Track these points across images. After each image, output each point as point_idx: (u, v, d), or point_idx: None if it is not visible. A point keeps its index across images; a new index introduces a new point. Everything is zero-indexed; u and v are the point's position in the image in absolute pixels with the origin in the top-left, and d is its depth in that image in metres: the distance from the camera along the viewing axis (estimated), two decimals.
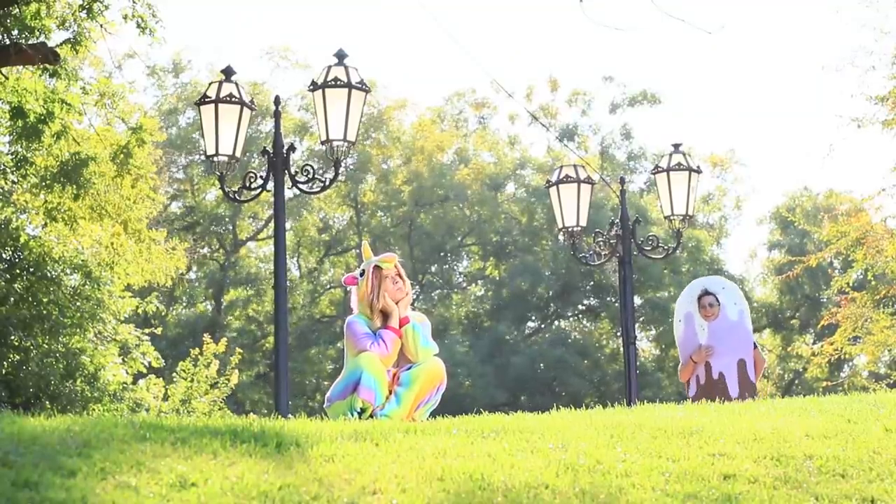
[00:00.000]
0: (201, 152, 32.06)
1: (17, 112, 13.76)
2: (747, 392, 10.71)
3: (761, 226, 39.68)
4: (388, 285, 7.31)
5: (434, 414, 7.10)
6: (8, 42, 12.47)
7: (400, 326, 7.21)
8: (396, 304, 7.30)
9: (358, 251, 36.14)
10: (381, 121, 37.22)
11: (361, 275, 7.40)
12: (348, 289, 7.61)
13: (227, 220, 36.73)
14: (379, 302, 7.26)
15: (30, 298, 14.62)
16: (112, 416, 10.15)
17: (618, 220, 14.49)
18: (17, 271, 14.70)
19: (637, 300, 34.02)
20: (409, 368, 7.10)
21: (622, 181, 14.98)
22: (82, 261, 15.22)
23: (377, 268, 7.38)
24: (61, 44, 13.12)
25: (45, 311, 14.59)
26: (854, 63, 17.37)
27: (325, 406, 7.15)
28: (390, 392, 6.99)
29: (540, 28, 55.92)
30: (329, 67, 11.55)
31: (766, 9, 58.45)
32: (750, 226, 62.66)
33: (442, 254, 38.02)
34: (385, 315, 7.26)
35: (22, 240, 14.87)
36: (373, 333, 7.17)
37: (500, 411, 8.29)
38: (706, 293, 11.21)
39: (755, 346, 11.14)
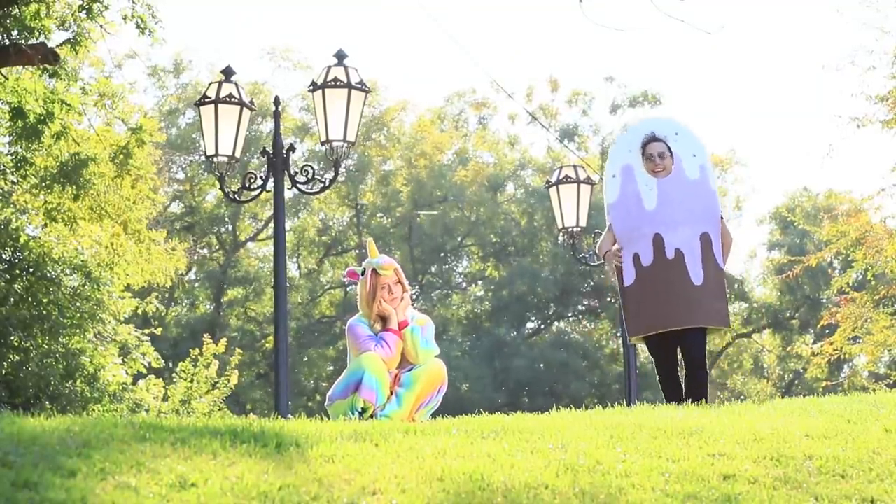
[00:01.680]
0: (201, 152, 32.06)
1: (17, 112, 13.76)
2: (714, 280, 8.02)
3: (761, 226, 39.71)
4: (384, 294, 7.24)
5: (434, 415, 7.09)
6: (8, 42, 12.47)
7: (399, 329, 7.19)
8: (395, 309, 7.24)
9: (357, 251, 36.19)
10: (382, 121, 37.22)
11: (362, 274, 7.33)
12: (347, 282, 7.57)
13: (226, 220, 36.74)
14: (374, 308, 7.22)
15: (30, 299, 14.62)
16: (112, 416, 10.15)
17: None
18: (17, 272, 14.70)
19: None
20: (410, 370, 7.07)
21: None
22: (82, 261, 15.22)
23: (375, 273, 7.31)
24: (61, 44, 13.12)
25: (44, 312, 14.59)
26: (854, 62, 17.37)
27: (326, 405, 7.11)
28: (391, 393, 6.96)
29: (540, 28, 55.93)
30: (329, 68, 11.57)
31: (766, 9, 58.46)
32: (750, 226, 62.77)
33: (442, 254, 38.02)
34: (383, 319, 7.21)
35: (22, 240, 14.87)
36: (375, 335, 7.13)
37: (500, 412, 8.29)
38: (653, 139, 8.25)
39: (721, 216, 8.33)
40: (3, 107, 14.23)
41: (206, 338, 18.09)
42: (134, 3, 12.78)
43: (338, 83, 11.44)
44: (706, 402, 7.92)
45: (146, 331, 16.80)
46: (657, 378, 8.27)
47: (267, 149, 11.52)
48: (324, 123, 11.47)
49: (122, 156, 15.18)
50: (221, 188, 11.82)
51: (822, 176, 62.37)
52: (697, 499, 4.59)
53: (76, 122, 14.73)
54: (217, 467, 4.34)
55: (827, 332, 24.83)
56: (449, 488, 4.40)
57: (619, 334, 33.52)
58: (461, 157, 38.58)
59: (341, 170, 11.78)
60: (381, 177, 37.84)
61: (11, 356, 14.32)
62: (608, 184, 8.43)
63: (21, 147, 14.43)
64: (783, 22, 58.89)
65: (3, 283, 14.45)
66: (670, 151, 8.23)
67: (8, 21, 12.47)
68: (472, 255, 39.41)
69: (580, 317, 38.89)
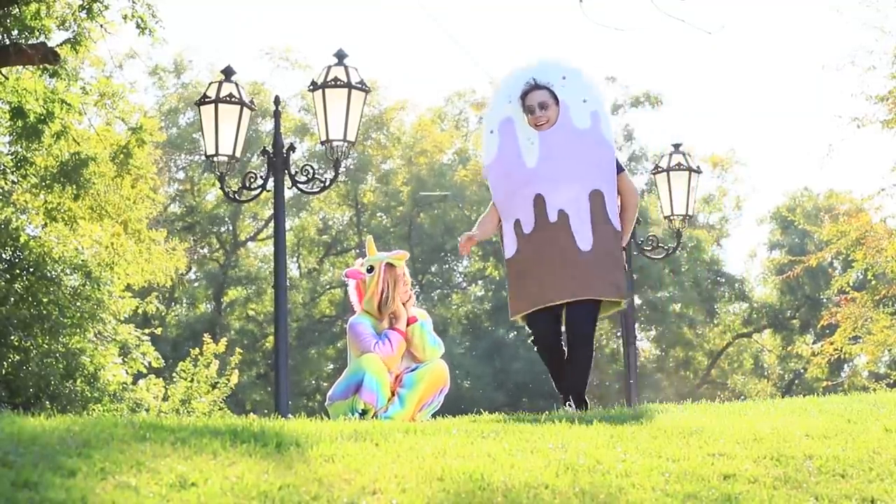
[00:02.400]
0: (201, 152, 32.07)
1: (17, 112, 13.77)
2: (607, 245, 7.05)
3: (761, 226, 39.75)
4: (400, 287, 7.03)
5: (434, 415, 7.08)
6: (8, 42, 12.47)
7: (407, 325, 7.05)
8: (403, 304, 7.11)
9: (358, 251, 36.17)
10: (382, 121, 37.23)
11: (369, 271, 7.09)
12: (347, 283, 7.27)
13: (227, 220, 36.74)
14: (392, 304, 7.02)
15: (30, 298, 14.63)
16: (112, 416, 10.15)
17: None
18: (17, 271, 14.71)
19: (637, 300, 34.01)
20: (412, 370, 6.99)
21: None
22: (82, 261, 15.22)
23: (390, 266, 7.09)
24: (61, 44, 13.13)
25: (45, 312, 14.59)
26: (854, 62, 17.39)
27: (326, 405, 7.06)
28: (393, 394, 6.91)
29: (540, 28, 55.92)
30: (329, 67, 11.58)
31: (766, 9, 58.47)
32: (750, 226, 62.75)
33: (442, 254, 38.02)
34: (393, 316, 7.06)
35: (22, 240, 14.88)
36: (377, 334, 7.00)
37: (499, 412, 8.29)
38: (535, 87, 7.22)
39: (621, 170, 7.25)
40: (3, 107, 14.24)
41: (207, 338, 18.09)
42: (134, 3, 12.80)
43: (338, 83, 11.44)
44: (585, 387, 7.13)
45: (146, 331, 16.81)
46: (538, 352, 7.26)
47: (267, 149, 11.52)
48: (324, 123, 11.47)
49: (122, 156, 15.19)
50: (221, 188, 11.83)
51: (822, 176, 62.45)
52: (697, 498, 4.59)
53: (76, 122, 14.75)
54: (217, 467, 4.34)
55: (827, 331, 24.84)
56: (449, 488, 4.40)
57: (619, 334, 33.52)
58: (461, 156, 38.59)
59: (341, 169, 11.78)
60: (381, 176, 37.84)
61: (11, 356, 14.32)
62: (485, 142, 7.37)
63: (21, 147, 14.45)
64: (783, 22, 58.92)
65: (3, 283, 14.46)
66: (556, 99, 7.18)
67: (8, 21, 12.48)
68: (473, 254, 39.42)
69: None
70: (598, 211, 7.04)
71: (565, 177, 7.05)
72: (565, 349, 7.18)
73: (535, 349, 7.26)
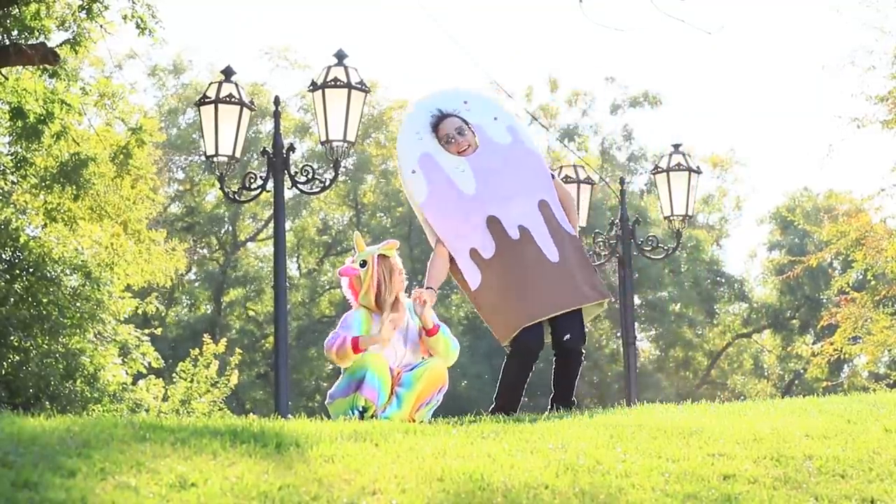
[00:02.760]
0: (201, 153, 32.06)
1: (17, 112, 13.77)
2: (571, 250, 7.00)
3: (761, 226, 39.73)
4: (395, 278, 6.98)
5: (433, 414, 7.07)
6: (8, 42, 12.47)
7: (429, 334, 6.93)
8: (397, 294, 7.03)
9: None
10: (381, 121, 37.23)
11: (362, 266, 7.01)
12: (341, 281, 7.13)
13: (226, 220, 36.74)
14: (392, 295, 6.95)
15: (29, 299, 14.63)
16: (112, 416, 10.14)
17: (617, 221, 14.51)
18: (17, 272, 14.71)
19: (636, 300, 34.02)
20: (411, 369, 6.98)
21: (622, 182, 15.02)
22: (82, 261, 15.23)
23: (382, 257, 7.03)
24: (61, 44, 13.13)
25: (44, 312, 14.59)
26: (854, 63, 17.39)
27: (326, 403, 7.04)
28: (392, 393, 6.89)
29: (540, 28, 55.92)
30: (329, 68, 11.57)
31: (766, 9, 58.47)
32: (750, 226, 62.70)
33: None
34: (393, 308, 6.95)
35: (22, 240, 14.88)
36: (353, 326, 6.89)
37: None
38: (443, 115, 7.14)
39: (552, 177, 7.23)
40: (3, 107, 14.24)
41: (206, 338, 18.09)
42: (134, 3, 12.79)
43: (338, 83, 11.44)
44: (574, 390, 7.07)
45: (146, 331, 16.81)
46: (509, 357, 7.02)
47: (267, 149, 11.52)
48: (324, 123, 11.47)
49: (122, 156, 15.18)
50: (221, 188, 11.82)
51: (822, 176, 62.47)
52: (697, 499, 4.59)
53: (76, 122, 14.74)
54: (217, 467, 4.34)
55: (827, 332, 24.85)
56: (449, 488, 4.40)
57: (618, 334, 33.52)
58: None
59: (341, 169, 11.77)
60: (380, 176, 37.84)
61: (11, 356, 14.32)
62: (409, 183, 7.11)
63: (21, 147, 14.44)
64: (783, 22, 58.92)
65: (3, 283, 14.46)
66: (467, 124, 7.10)
67: (8, 21, 12.48)
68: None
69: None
70: (550, 220, 6.98)
71: (511, 193, 6.94)
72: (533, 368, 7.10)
73: (509, 361, 7.05)
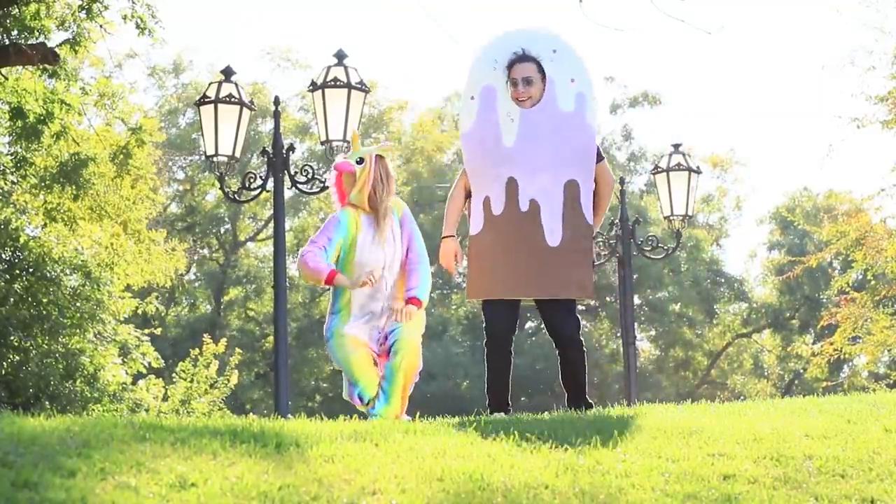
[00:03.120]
0: (201, 152, 32.06)
1: (17, 112, 13.77)
2: (576, 240, 6.75)
3: (761, 226, 39.73)
4: (391, 180, 6.92)
5: (433, 414, 7.09)
6: (8, 42, 12.47)
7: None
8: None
9: None
10: (381, 121, 37.23)
11: (358, 163, 6.91)
12: (328, 178, 6.98)
13: (226, 220, 36.74)
14: (388, 197, 6.87)
15: (29, 299, 14.63)
16: (112, 416, 10.14)
17: (617, 221, 14.52)
18: (17, 272, 14.71)
19: (636, 300, 34.03)
20: (389, 360, 6.94)
21: (622, 182, 15.02)
22: (82, 261, 15.23)
23: (380, 158, 6.95)
24: (61, 44, 13.13)
25: (44, 312, 14.59)
26: (854, 63, 17.40)
27: (326, 339, 7.04)
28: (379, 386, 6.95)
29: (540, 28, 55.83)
30: (329, 68, 11.58)
31: (766, 9, 58.48)
32: (750, 226, 62.65)
33: None
34: (375, 210, 6.89)
35: (21, 240, 14.88)
36: (337, 231, 6.84)
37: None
38: (522, 58, 6.81)
39: (600, 158, 6.86)
40: (3, 107, 14.24)
41: (206, 338, 18.09)
42: (134, 3, 12.79)
43: (338, 83, 11.45)
44: (585, 389, 6.98)
45: (146, 331, 16.81)
46: (485, 344, 7.04)
47: (267, 149, 11.52)
48: (324, 123, 11.47)
49: (121, 156, 15.18)
50: (221, 188, 11.83)
51: (822, 176, 62.46)
52: (697, 499, 4.59)
53: (76, 122, 14.74)
54: (217, 467, 4.34)
55: (827, 332, 24.85)
56: (449, 488, 4.40)
57: (618, 334, 33.53)
58: (461, 156, 38.57)
59: None
60: None
61: (11, 356, 14.32)
62: (463, 107, 6.93)
63: (21, 147, 14.44)
64: (783, 22, 58.93)
65: (3, 283, 14.46)
66: (543, 74, 6.76)
67: (8, 21, 12.48)
68: None
69: (580, 316, 38.85)
70: (571, 203, 6.71)
71: (542, 163, 6.67)
72: (511, 352, 7.07)
73: (486, 347, 7.03)
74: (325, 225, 6.97)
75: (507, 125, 6.71)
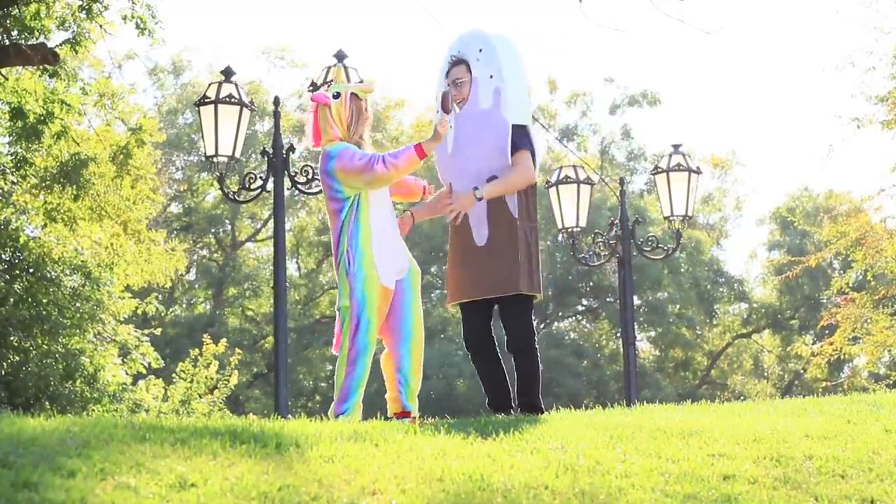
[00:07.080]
0: (200, 153, 32.06)
1: (17, 113, 13.78)
2: (505, 237, 6.68)
3: (761, 226, 39.71)
4: (363, 118, 6.76)
5: (432, 415, 7.10)
6: (8, 42, 12.48)
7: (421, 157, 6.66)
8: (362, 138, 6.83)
9: None
10: (380, 120, 37.22)
11: (335, 97, 6.75)
12: (312, 108, 6.80)
13: (225, 220, 36.72)
14: (356, 136, 6.73)
15: (29, 299, 14.63)
16: (111, 416, 10.15)
17: (617, 221, 14.51)
18: (17, 272, 14.70)
19: (636, 301, 34.03)
20: (401, 328, 6.87)
21: (622, 182, 15.01)
22: (82, 261, 15.22)
23: (355, 96, 6.78)
24: (61, 44, 13.13)
25: (44, 312, 14.59)
26: (854, 63, 17.39)
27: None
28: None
29: (540, 28, 55.92)
30: (328, 67, 11.57)
31: (766, 9, 58.49)
32: (750, 226, 62.59)
33: (442, 254, 38.02)
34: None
35: (21, 240, 14.88)
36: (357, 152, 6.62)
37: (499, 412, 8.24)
38: (457, 61, 6.84)
39: (520, 148, 6.69)
40: (3, 107, 14.24)
41: (206, 338, 18.09)
42: (134, 3, 12.79)
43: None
44: (536, 396, 6.72)
45: (146, 331, 16.80)
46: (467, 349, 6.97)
47: (266, 148, 11.52)
48: None
49: (121, 156, 15.18)
50: (221, 188, 11.82)
51: (822, 176, 62.48)
52: (697, 499, 4.59)
53: (76, 123, 14.75)
54: (217, 468, 4.34)
55: (827, 332, 24.84)
56: (449, 488, 4.40)
57: (618, 334, 33.53)
58: None
59: None
60: None
61: (11, 356, 14.32)
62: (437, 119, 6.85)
63: (21, 147, 14.44)
64: (783, 22, 58.94)
65: (3, 283, 14.45)
66: (469, 72, 6.76)
67: (8, 21, 12.48)
68: None
69: (579, 317, 38.88)
70: (494, 201, 6.65)
71: (467, 165, 6.70)
72: (496, 354, 6.93)
73: (468, 351, 7.05)
74: (351, 151, 6.63)
75: (450, 132, 6.77)
